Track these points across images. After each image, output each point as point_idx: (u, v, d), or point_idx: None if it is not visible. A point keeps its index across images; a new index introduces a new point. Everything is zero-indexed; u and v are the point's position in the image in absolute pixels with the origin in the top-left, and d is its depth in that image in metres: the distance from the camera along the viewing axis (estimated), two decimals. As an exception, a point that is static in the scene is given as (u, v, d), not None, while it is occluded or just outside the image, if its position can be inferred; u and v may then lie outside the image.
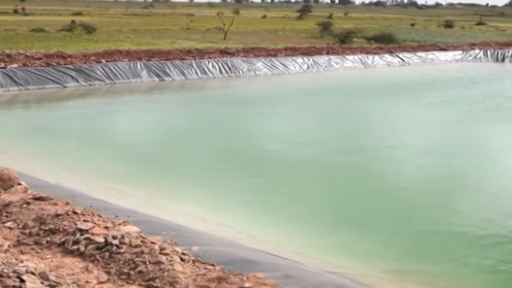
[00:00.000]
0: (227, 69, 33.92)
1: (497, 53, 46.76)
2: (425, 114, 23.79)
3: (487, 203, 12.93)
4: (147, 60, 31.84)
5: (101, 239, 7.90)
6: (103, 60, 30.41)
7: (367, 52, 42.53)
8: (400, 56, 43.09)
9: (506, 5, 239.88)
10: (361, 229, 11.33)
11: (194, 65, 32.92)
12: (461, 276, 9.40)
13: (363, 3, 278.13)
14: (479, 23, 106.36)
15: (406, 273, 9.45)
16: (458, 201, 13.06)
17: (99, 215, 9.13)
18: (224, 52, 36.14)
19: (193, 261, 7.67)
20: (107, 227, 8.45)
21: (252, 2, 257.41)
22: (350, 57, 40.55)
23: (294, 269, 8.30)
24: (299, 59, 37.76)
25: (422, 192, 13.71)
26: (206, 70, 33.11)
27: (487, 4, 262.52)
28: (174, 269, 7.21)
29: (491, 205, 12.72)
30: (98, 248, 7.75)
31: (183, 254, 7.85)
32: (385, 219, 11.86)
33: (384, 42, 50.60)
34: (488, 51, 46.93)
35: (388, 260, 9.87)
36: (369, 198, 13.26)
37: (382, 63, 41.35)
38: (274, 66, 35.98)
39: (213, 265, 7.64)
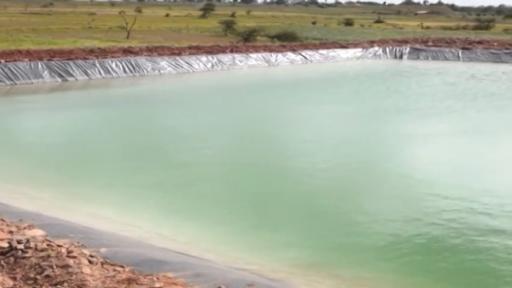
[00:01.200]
0: (131, 68, 33.53)
1: (396, 50, 47.96)
2: (336, 110, 24.29)
3: (392, 196, 13.19)
4: (48, 60, 31.06)
5: (4, 244, 7.67)
6: (2, 61, 29.48)
7: (271, 50, 42.84)
8: (303, 53, 43.61)
9: (402, 4, 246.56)
10: (271, 226, 11.40)
11: (97, 65, 32.37)
12: (368, 267, 9.60)
13: (264, 2, 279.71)
14: (378, 21, 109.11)
15: (316, 267, 9.56)
16: (364, 196, 13.28)
17: (2, 219, 8.88)
18: (128, 51, 35.68)
19: (102, 263, 7.54)
20: (11, 232, 8.22)
21: (154, 0, 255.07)
22: (254, 55, 40.77)
23: (204, 268, 8.28)
24: (203, 58, 37.70)
25: (330, 187, 13.85)
26: (110, 69, 32.63)
27: (385, 3, 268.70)
28: (82, 272, 7.07)
29: (396, 199, 12.99)
30: (2, 254, 7.51)
31: (91, 256, 7.70)
32: (295, 215, 11.96)
33: (287, 40, 51.16)
34: (387, 48, 48.09)
35: (298, 255, 9.97)
36: (278, 195, 13.32)
37: (286, 61, 41.77)
38: (179, 65, 35.80)
39: (122, 266, 7.53)
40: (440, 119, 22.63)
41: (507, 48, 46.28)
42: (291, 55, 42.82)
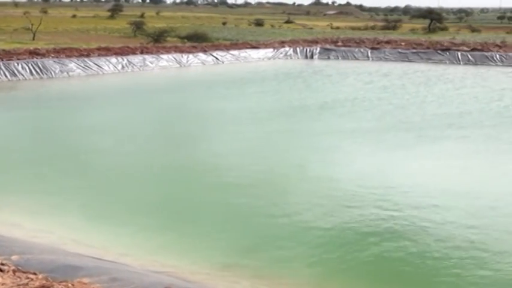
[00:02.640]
0: (38, 70, 32.65)
1: (306, 50, 48.40)
2: (259, 109, 24.34)
3: (313, 196, 13.14)
4: (-50, 62, 29.94)
5: None
6: None
7: (182, 51, 42.58)
8: (214, 54, 43.51)
9: (311, 4, 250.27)
10: (188, 228, 11.28)
11: (2, 67, 31.35)
12: (287, 267, 9.61)
13: (174, 2, 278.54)
14: (288, 22, 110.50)
15: (234, 268, 9.52)
16: (284, 197, 13.20)
17: None
18: (34, 53, 34.70)
19: (14, 271, 7.30)
20: None
21: (60, 1, 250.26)
22: (165, 56, 40.41)
23: (120, 272, 8.13)
24: (113, 59, 37.09)
25: (248, 188, 13.77)
26: (16, 72, 31.68)
27: (294, 3, 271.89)
28: (-7, 281, 6.82)
29: (316, 199, 12.99)
30: None
31: (2, 264, 7.45)
32: (212, 216, 11.88)
33: (198, 41, 51.13)
34: (298, 49, 48.47)
35: (216, 256, 9.89)
36: (194, 197, 13.22)
37: (197, 62, 41.60)
38: (88, 67, 35.12)
39: (35, 274, 7.31)
40: (365, 116, 23.15)
41: (414, 48, 47.40)
42: (202, 56, 42.66)
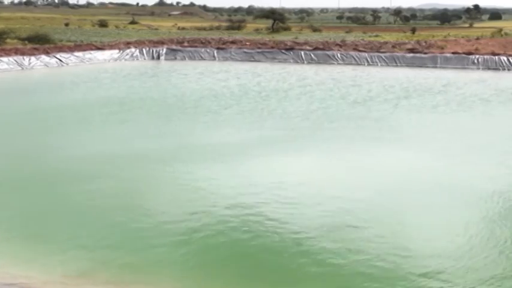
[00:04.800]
0: None
1: (153, 51, 48.13)
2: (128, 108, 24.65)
3: (167, 198, 13.21)
4: None
5: None
6: None
7: (23, 53, 41.18)
8: (58, 56, 42.40)
9: (155, 5, 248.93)
10: (39, 236, 11.00)
11: None
12: (142, 272, 9.57)
13: (12, 3, 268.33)
14: (132, 22, 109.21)
15: (88, 275, 9.42)
16: (139, 200, 13.13)
17: None
18: None
19: None
20: None
21: None
22: (5, 59, 38.93)
23: (-32, 287, 7.76)
24: None
25: (101, 192, 13.59)
26: None
27: (138, 4, 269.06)
28: None
29: (173, 200, 13.11)
30: None
31: None
32: (64, 224, 11.66)
33: (39, 42, 49.48)
34: (144, 50, 48.10)
35: (70, 264, 9.74)
36: (44, 204, 12.88)
37: (40, 64, 40.37)
38: None
39: None
40: (236, 110, 24.55)
41: (259, 48, 48.30)
42: (45, 58, 41.43)
